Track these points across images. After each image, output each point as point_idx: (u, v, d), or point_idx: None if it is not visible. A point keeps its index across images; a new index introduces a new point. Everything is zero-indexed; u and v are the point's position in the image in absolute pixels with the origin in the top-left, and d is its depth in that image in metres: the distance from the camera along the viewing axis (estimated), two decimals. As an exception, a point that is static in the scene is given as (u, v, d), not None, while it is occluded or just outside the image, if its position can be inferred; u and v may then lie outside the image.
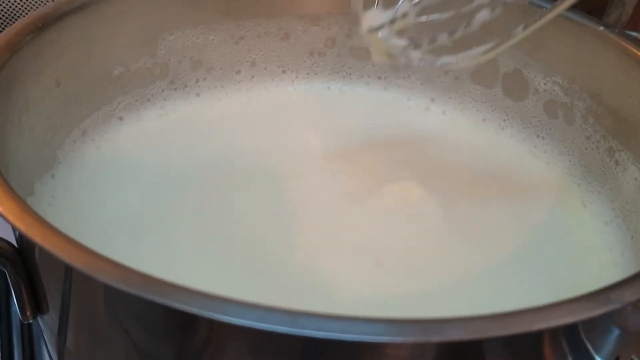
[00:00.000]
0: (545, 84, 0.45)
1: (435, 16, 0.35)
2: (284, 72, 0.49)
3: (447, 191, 0.42)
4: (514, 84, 0.46)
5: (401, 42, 0.36)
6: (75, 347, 0.31)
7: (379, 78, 0.50)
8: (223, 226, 0.38)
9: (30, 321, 0.31)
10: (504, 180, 0.43)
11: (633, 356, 0.28)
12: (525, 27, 0.34)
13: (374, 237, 0.38)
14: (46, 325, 0.32)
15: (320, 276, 0.35)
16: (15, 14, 0.51)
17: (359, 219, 0.39)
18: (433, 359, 0.24)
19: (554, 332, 0.25)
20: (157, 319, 0.26)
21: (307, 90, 0.50)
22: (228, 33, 0.47)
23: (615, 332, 0.26)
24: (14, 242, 0.29)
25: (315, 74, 0.50)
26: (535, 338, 0.25)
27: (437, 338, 0.22)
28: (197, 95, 0.47)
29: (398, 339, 0.22)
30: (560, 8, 0.33)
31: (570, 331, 0.26)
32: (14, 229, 0.26)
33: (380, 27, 0.36)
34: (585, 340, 0.26)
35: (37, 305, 0.31)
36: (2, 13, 0.51)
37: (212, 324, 0.24)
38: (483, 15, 0.34)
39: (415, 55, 0.36)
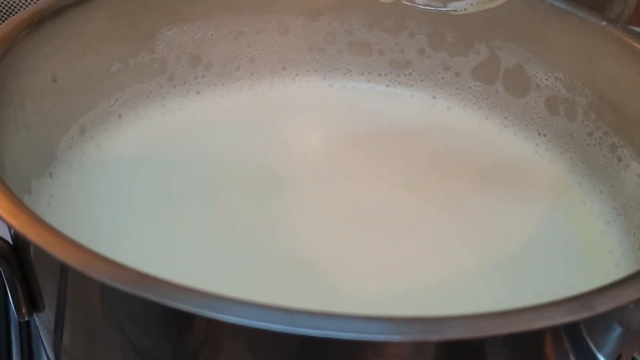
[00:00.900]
0: (546, 79, 0.44)
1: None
2: (283, 68, 0.49)
3: (449, 189, 0.41)
4: (515, 80, 0.46)
5: None
6: (72, 345, 0.31)
7: (380, 75, 0.50)
8: (224, 225, 0.38)
9: (27, 319, 0.31)
10: (506, 179, 0.43)
11: (635, 354, 0.28)
12: None
13: (374, 235, 0.38)
14: (42, 324, 0.32)
15: (319, 275, 0.35)
16: (12, 9, 0.51)
17: (359, 217, 0.39)
18: (432, 357, 0.24)
19: (556, 330, 0.25)
20: (153, 317, 0.26)
21: (309, 87, 0.49)
22: (227, 28, 0.46)
23: (618, 330, 0.26)
24: (10, 240, 0.29)
25: (315, 70, 0.49)
26: (536, 336, 0.25)
27: (436, 337, 0.22)
28: (197, 92, 0.47)
29: (396, 338, 0.22)
30: None
31: (572, 329, 0.26)
32: (8, 226, 0.26)
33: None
34: (587, 338, 0.26)
35: (33, 303, 0.30)
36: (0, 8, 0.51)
37: (209, 322, 0.24)
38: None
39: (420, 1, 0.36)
